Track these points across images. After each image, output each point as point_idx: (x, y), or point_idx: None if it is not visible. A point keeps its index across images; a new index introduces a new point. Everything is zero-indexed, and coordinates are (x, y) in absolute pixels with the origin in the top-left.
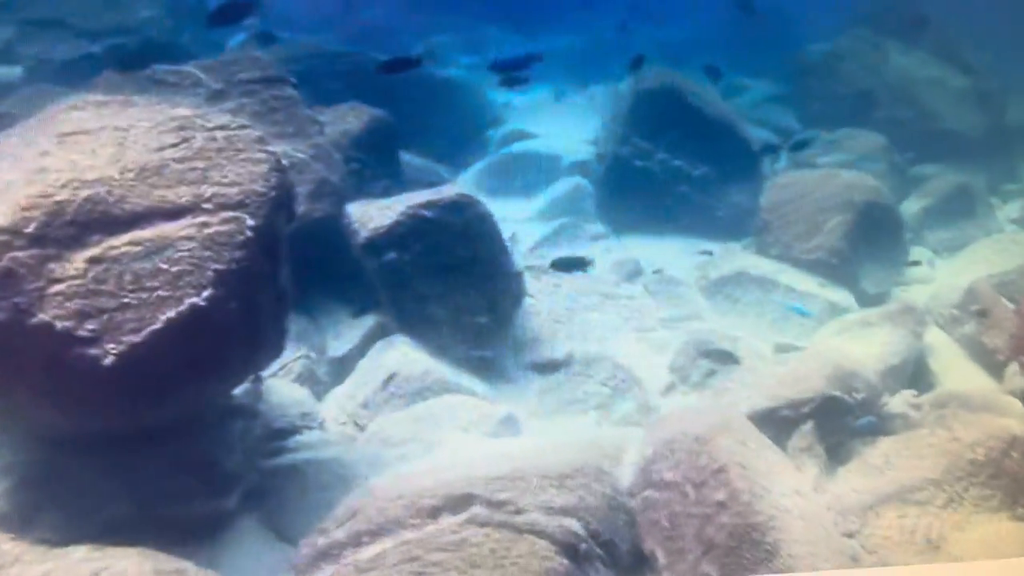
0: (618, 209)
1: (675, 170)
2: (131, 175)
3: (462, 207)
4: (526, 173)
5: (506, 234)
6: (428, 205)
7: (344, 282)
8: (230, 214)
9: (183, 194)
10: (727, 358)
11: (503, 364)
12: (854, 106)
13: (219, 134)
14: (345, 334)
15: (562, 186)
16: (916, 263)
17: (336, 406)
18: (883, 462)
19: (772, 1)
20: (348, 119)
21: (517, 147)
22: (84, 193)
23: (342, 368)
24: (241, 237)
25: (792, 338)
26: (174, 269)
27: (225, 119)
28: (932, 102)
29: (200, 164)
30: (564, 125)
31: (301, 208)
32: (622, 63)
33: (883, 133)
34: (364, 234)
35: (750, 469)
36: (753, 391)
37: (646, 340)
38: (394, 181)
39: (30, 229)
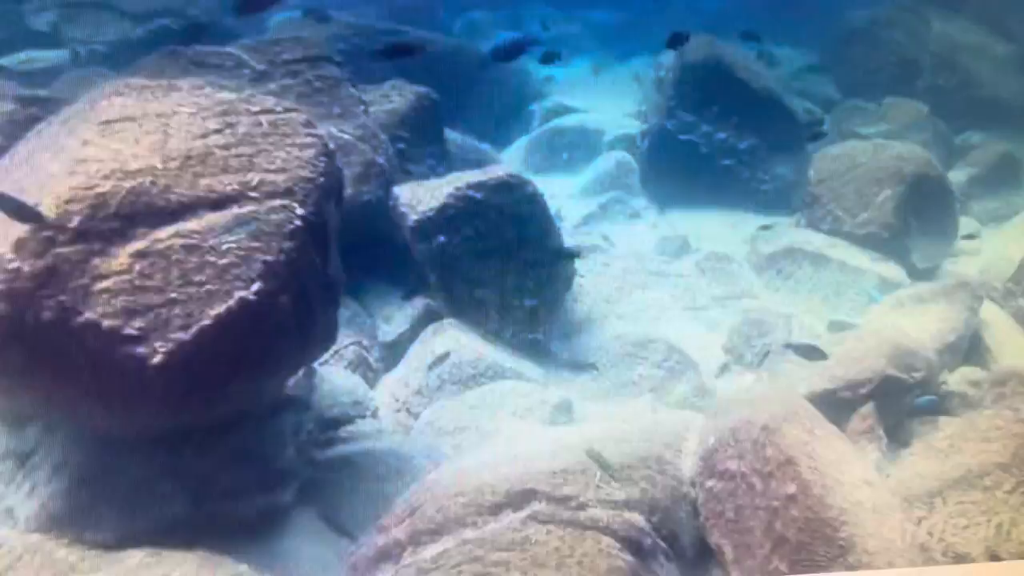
0: (662, 183)
1: (720, 143)
2: (175, 164)
3: (511, 187)
4: (569, 148)
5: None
6: (477, 186)
7: (392, 264)
8: (278, 202)
9: (229, 182)
10: (781, 336)
11: (554, 346)
12: (896, 75)
13: (264, 118)
14: (395, 318)
15: (605, 161)
16: (971, 236)
17: (389, 393)
18: (947, 445)
19: None
20: (392, 98)
21: (560, 122)
22: (128, 184)
23: (393, 353)
24: (290, 226)
25: (845, 315)
26: (222, 262)
27: (270, 102)
28: (976, 69)
29: (246, 150)
30: (606, 99)
31: (348, 191)
32: (661, 34)
33: (926, 102)
34: (413, 217)
35: (819, 460)
36: (810, 372)
37: (698, 319)
38: (439, 160)
39: (74, 223)
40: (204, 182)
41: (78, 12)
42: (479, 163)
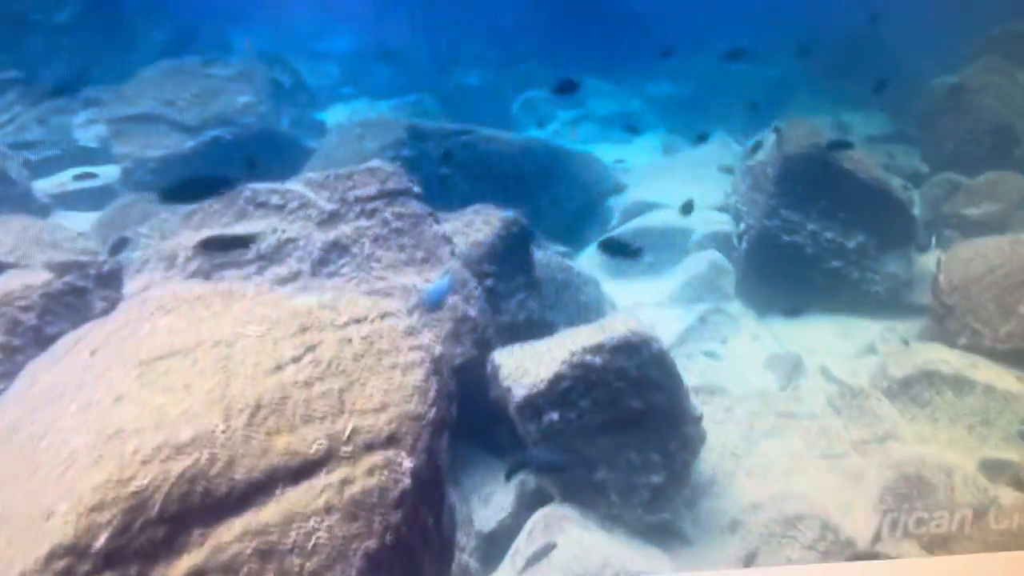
0: (762, 288)
1: (827, 243)
2: (241, 421)
3: (635, 348)
4: (654, 248)
5: None
6: (595, 349)
7: (489, 426)
8: (379, 457)
9: (313, 437)
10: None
11: (682, 525)
12: (991, 144)
13: (355, 332)
14: (495, 498)
15: (696, 263)
16: None
17: None
18: None
19: (874, 29)
20: (476, 227)
21: (643, 221)
22: (177, 467)
23: (493, 546)
24: (396, 492)
25: (998, 449)
26: (309, 565)
27: (361, 306)
28: None
29: (334, 384)
30: (685, 188)
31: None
32: (726, 108)
33: None
34: (520, 393)
35: None
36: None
37: (837, 469)
38: (529, 292)
39: (100, 543)
40: (281, 442)
41: (128, 126)
42: (567, 284)
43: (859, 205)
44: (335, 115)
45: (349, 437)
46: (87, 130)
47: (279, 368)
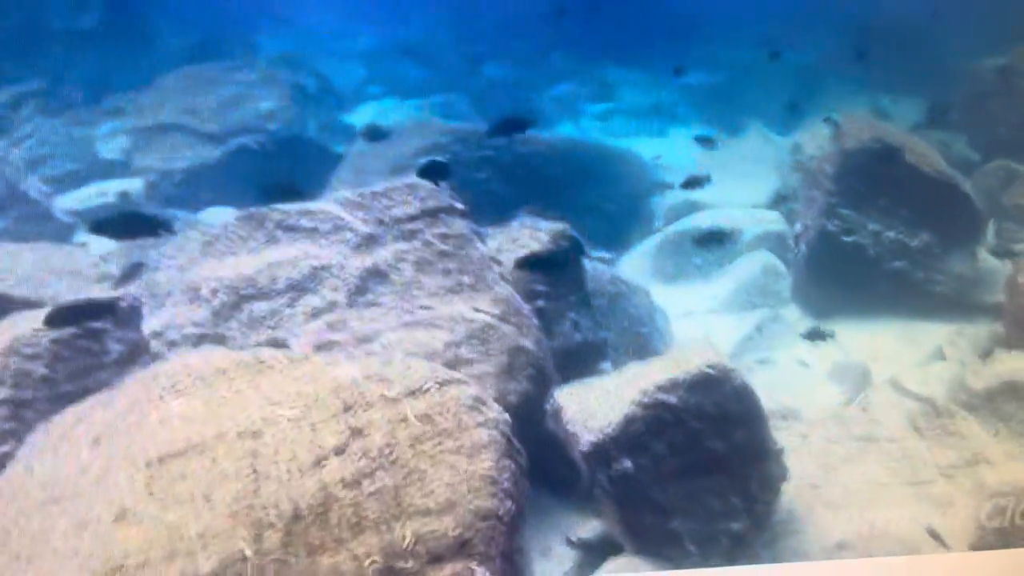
0: (821, 291)
1: (889, 242)
2: (276, 539)
3: (714, 383)
4: (702, 251)
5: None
6: (670, 387)
7: (546, 465)
8: (448, 571)
9: (366, 552)
10: None
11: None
12: None
13: (410, 408)
14: (555, 550)
15: (748, 265)
16: None
17: None
18: None
19: (911, 12)
20: (523, 242)
21: (689, 221)
22: None
23: None
24: None
25: None
26: None
27: (418, 375)
28: None
29: (388, 479)
30: (731, 184)
31: (491, 394)
32: (761, 98)
33: None
34: (588, 439)
35: None
36: None
37: (924, 498)
38: (581, 311)
39: None
40: (326, 564)
41: (150, 137)
42: (617, 296)
43: (923, 201)
44: (363, 116)
45: (408, 549)
46: (110, 142)
47: (320, 463)
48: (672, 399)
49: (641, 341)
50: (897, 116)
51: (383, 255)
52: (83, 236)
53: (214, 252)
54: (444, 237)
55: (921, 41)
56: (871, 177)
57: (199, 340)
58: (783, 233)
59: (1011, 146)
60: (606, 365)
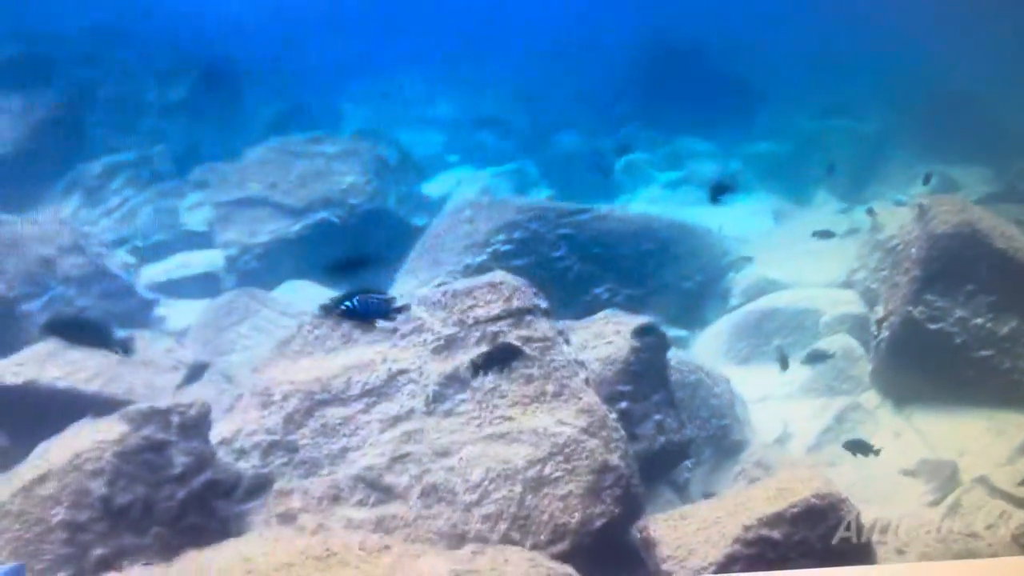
0: (901, 377)
1: (976, 330)
2: None
3: (821, 515)
4: (780, 332)
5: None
6: (774, 521)
7: None
8: None
9: None
10: None
11: None
12: None
13: None
14: None
15: (826, 349)
16: None
17: None
18: None
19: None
20: (607, 337)
21: (768, 302)
22: None
23: None
24: None
25: None
26: None
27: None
28: None
29: None
30: (805, 262)
31: (575, 517)
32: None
33: None
34: None
35: None
36: None
37: None
38: (666, 411)
39: None
40: None
41: (232, 210)
42: (698, 386)
43: (1011, 286)
44: (441, 186)
45: None
46: (195, 213)
47: None
48: (775, 535)
49: (722, 433)
50: (967, 185)
51: (464, 360)
52: (164, 307)
53: (288, 353)
54: (528, 340)
55: (984, 113)
56: (959, 262)
57: (269, 449)
58: (861, 315)
59: None
60: (688, 463)
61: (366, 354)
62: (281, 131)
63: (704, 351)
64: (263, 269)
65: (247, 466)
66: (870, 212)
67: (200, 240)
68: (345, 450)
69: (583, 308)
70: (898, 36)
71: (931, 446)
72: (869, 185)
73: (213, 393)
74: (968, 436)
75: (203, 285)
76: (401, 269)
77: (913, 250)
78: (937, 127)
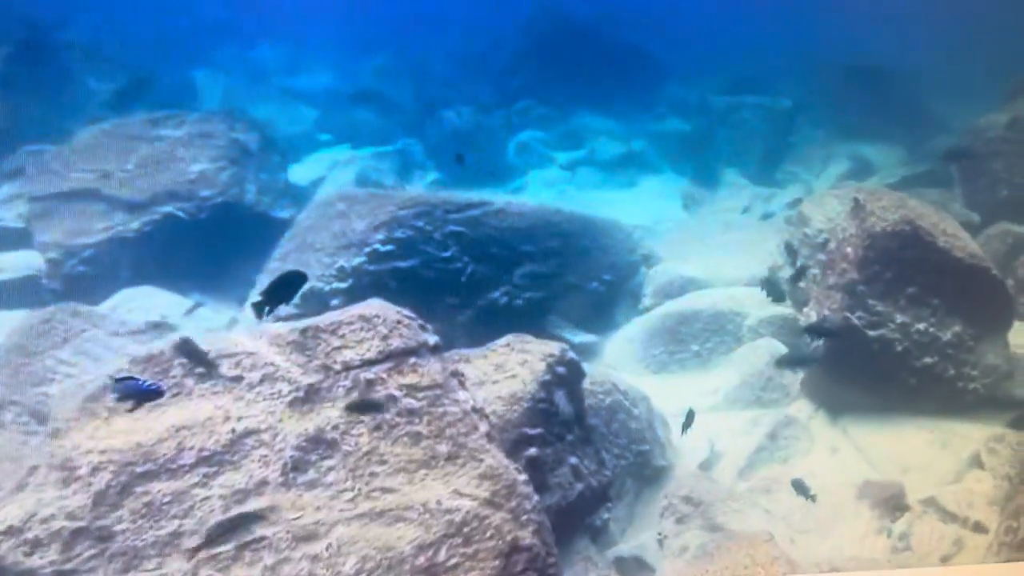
0: (837, 388)
1: (918, 336)
2: None
3: None
4: (700, 336)
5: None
6: None
7: None
8: None
9: None
10: None
11: None
12: None
13: None
14: None
15: (752, 355)
16: None
17: None
18: None
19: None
20: (511, 370)
21: (684, 302)
22: None
23: None
24: None
25: None
26: None
27: None
28: None
29: None
30: (722, 255)
31: None
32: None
33: None
34: None
35: None
36: None
37: None
38: (583, 452)
39: None
40: None
41: (55, 204)
42: (615, 409)
43: (954, 288)
44: (311, 170)
45: None
46: (9, 207)
47: None
48: None
49: (643, 460)
50: (881, 165)
51: (330, 416)
52: None
53: (98, 410)
54: (413, 390)
55: (898, 91)
56: (900, 263)
57: (73, 539)
58: (789, 318)
59: (1011, 208)
60: (606, 515)
61: (203, 410)
62: (122, 111)
63: (616, 359)
64: (95, 275)
65: (43, 562)
66: (795, 204)
67: (17, 238)
68: (177, 535)
69: (479, 314)
70: (810, 8)
71: (872, 462)
72: (781, 165)
73: (15, 444)
74: (911, 450)
75: (22, 292)
76: (262, 272)
77: (848, 249)
78: (850, 104)
